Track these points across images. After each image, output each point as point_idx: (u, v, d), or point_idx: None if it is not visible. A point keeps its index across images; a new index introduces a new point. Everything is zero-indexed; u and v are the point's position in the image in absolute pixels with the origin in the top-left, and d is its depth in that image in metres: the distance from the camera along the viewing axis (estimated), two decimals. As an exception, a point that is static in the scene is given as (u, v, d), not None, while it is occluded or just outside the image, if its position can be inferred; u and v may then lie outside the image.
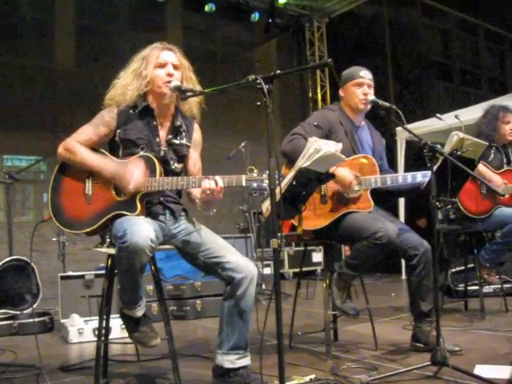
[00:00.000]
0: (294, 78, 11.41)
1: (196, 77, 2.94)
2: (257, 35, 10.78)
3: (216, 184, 2.59)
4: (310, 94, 11.38)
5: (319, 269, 8.67)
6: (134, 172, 2.67)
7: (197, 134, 3.04)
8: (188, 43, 9.33)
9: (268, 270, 7.59)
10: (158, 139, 2.86)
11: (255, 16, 10.16)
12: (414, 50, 16.25)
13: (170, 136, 2.90)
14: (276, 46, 11.40)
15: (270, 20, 10.21)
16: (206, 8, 9.49)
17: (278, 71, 2.23)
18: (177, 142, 2.91)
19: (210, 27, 10.06)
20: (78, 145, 2.76)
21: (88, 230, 2.74)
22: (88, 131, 2.81)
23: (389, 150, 8.37)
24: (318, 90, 11.26)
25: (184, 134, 2.95)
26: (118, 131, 2.80)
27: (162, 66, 2.82)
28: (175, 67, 2.84)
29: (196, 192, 2.84)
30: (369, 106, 3.55)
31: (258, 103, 2.23)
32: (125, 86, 2.84)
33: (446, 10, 21.96)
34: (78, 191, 2.78)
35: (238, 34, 10.58)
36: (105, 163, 2.74)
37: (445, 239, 5.15)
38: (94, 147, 2.83)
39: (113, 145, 2.86)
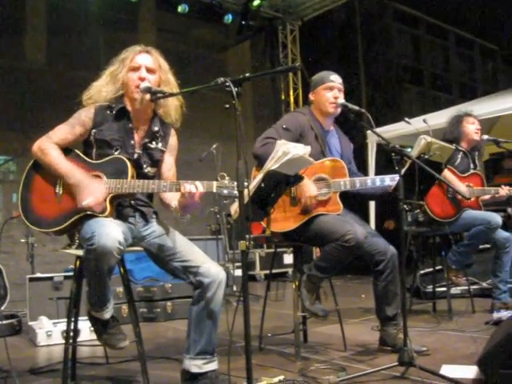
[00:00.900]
0: (267, 80, 11.44)
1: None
2: (230, 37, 10.78)
3: (196, 188, 2.59)
4: (283, 97, 11.41)
5: (290, 270, 8.70)
6: (92, 192, 2.63)
7: (173, 139, 3.03)
8: (161, 44, 9.22)
9: (239, 272, 7.59)
10: (132, 141, 2.85)
11: (228, 18, 10.15)
12: (386, 54, 16.47)
13: (146, 140, 2.89)
14: (249, 48, 11.41)
15: (244, 22, 10.21)
16: (179, 9, 9.45)
17: (247, 74, 2.24)
18: (152, 146, 2.91)
19: (183, 28, 10.03)
20: (51, 146, 2.73)
21: (56, 229, 2.70)
22: (64, 130, 2.79)
23: (360, 153, 8.48)
24: (291, 93, 11.30)
25: (160, 139, 2.94)
26: (94, 131, 2.79)
27: (136, 69, 2.81)
28: (150, 70, 2.82)
29: (170, 197, 2.83)
30: (339, 110, 3.59)
31: (227, 105, 2.24)
32: (100, 88, 2.85)
33: (417, 15, 22.29)
34: (48, 190, 2.75)
35: (211, 35, 10.57)
36: (71, 172, 2.68)
37: (414, 241, 5.23)
38: (69, 147, 2.81)
39: (87, 144, 2.84)
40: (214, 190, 2.57)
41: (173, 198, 2.79)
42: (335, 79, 3.62)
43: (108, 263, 2.46)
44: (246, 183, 2.24)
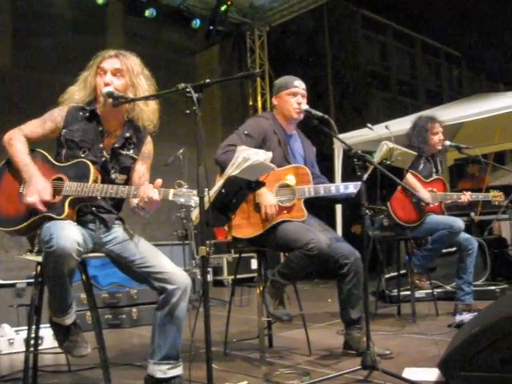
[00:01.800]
0: (235, 85, 11.44)
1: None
2: (198, 42, 10.75)
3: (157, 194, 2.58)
4: (251, 102, 11.44)
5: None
6: (39, 190, 2.64)
7: (147, 147, 3.00)
8: (129, 48, 9.02)
9: (207, 277, 7.57)
10: (101, 145, 2.84)
11: (196, 22, 10.13)
12: (354, 60, 16.64)
13: (117, 145, 2.88)
14: (218, 53, 11.41)
15: (212, 27, 10.22)
16: (147, 13, 9.40)
17: (208, 80, 2.25)
18: (123, 152, 2.90)
19: (152, 33, 9.97)
20: (19, 139, 2.75)
21: (14, 228, 2.69)
22: (35, 124, 2.83)
23: (327, 158, 8.53)
24: (259, 98, 11.32)
25: (133, 145, 2.93)
26: (64, 131, 2.80)
27: (102, 74, 2.82)
28: (116, 75, 2.81)
29: (132, 201, 2.82)
30: (302, 116, 3.60)
31: (188, 111, 2.24)
32: (73, 92, 2.88)
33: (385, 22, 22.59)
34: (13, 190, 2.75)
35: (180, 40, 10.53)
36: (27, 167, 2.70)
37: (380, 246, 5.29)
38: (39, 141, 2.83)
39: (59, 144, 2.85)
40: (170, 198, 2.56)
41: (135, 201, 2.78)
42: (299, 85, 3.63)
43: (68, 265, 2.44)
44: (205, 189, 2.24)
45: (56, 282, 2.52)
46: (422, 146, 4.82)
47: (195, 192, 2.40)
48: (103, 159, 2.83)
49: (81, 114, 2.84)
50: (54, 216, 2.63)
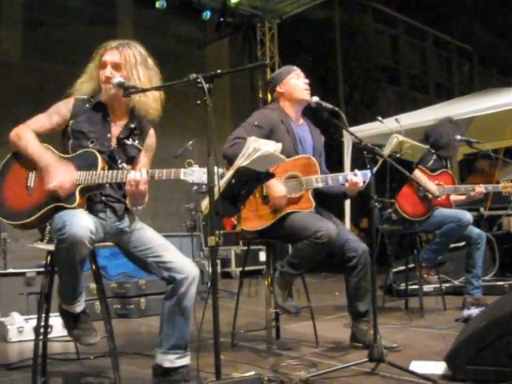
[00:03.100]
0: (245, 78, 11.44)
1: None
2: (208, 34, 10.75)
3: (140, 176, 2.62)
4: (260, 95, 11.42)
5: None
6: (60, 175, 2.66)
7: (150, 139, 3.02)
8: (139, 40, 9.17)
9: (216, 267, 7.58)
10: (109, 135, 2.85)
11: (207, 14, 10.13)
12: (364, 54, 16.54)
13: (122, 136, 2.89)
14: (228, 45, 11.40)
15: (222, 19, 10.21)
16: (157, 5, 9.42)
17: (219, 70, 2.25)
18: (128, 142, 2.91)
19: (162, 24, 9.98)
20: (27, 131, 2.76)
21: (25, 221, 2.70)
22: (42, 118, 2.83)
23: (336, 151, 8.52)
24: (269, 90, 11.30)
25: (137, 136, 2.95)
26: (71, 122, 2.81)
27: (103, 67, 2.83)
28: (115, 67, 2.81)
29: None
30: (313, 100, 3.54)
31: (199, 102, 2.24)
32: (81, 85, 2.90)
33: (396, 16, 22.44)
34: (21, 183, 2.76)
35: (190, 32, 10.53)
36: (43, 155, 2.72)
37: (389, 240, 5.29)
38: (46, 134, 2.83)
39: (64, 136, 2.85)
40: (182, 177, 2.57)
41: None
42: (298, 69, 3.70)
43: (80, 253, 2.45)
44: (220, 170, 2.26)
45: (67, 269, 2.54)
46: (445, 149, 4.80)
47: (205, 170, 2.42)
48: (111, 148, 2.85)
49: (87, 105, 2.86)
50: (66, 205, 2.65)
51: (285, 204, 3.37)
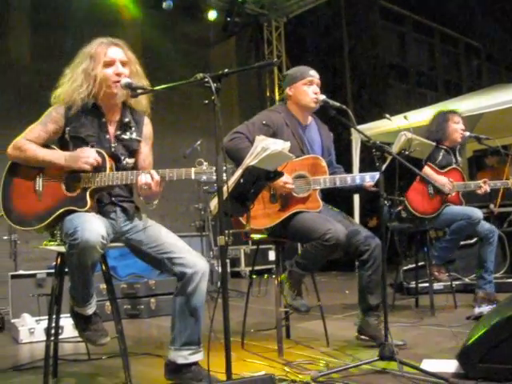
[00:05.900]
0: (253, 77, 11.44)
1: (149, 73, 2.92)
2: (215, 33, 10.77)
3: (152, 178, 2.61)
4: (268, 94, 11.42)
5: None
6: (88, 150, 2.68)
7: (147, 128, 3.01)
8: (146, 40, 9.26)
9: (226, 267, 7.59)
10: (107, 136, 2.84)
11: (213, 14, 10.15)
12: (372, 51, 16.52)
13: (119, 132, 2.88)
14: (235, 45, 11.40)
15: (229, 18, 10.22)
16: (164, 5, 9.43)
17: (226, 70, 2.25)
18: (126, 137, 2.89)
19: (168, 25, 10.00)
20: (27, 142, 2.74)
21: (38, 226, 2.71)
22: (37, 128, 2.79)
23: (345, 149, 8.49)
24: (276, 90, 11.31)
25: (133, 128, 2.93)
26: (68, 128, 2.77)
27: (110, 64, 2.78)
28: (123, 64, 2.80)
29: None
30: (318, 105, 3.59)
31: (206, 101, 2.24)
32: (75, 88, 2.78)
33: (403, 13, 22.37)
34: (28, 188, 2.75)
35: (196, 32, 10.55)
36: (56, 153, 2.74)
37: (398, 237, 5.27)
38: (44, 144, 2.80)
39: (62, 142, 2.82)
40: (193, 177, 2.57)
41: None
42: (314, 74, 3.63)
43: (91, 258, 2.46)
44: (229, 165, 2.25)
45: (79, 273, 2.55)
46: (442, 136, 4.77)
47: (215, 169, 2.42)
48: (112, 149, 2.84)
49: (80, 109, 2.78)
50: (77, 209, 2.65)
51: (290, 194, 3.35)
